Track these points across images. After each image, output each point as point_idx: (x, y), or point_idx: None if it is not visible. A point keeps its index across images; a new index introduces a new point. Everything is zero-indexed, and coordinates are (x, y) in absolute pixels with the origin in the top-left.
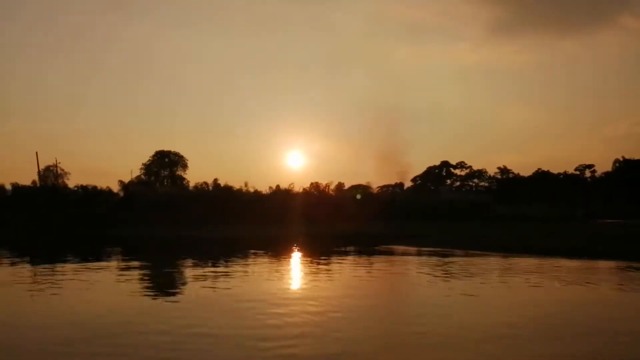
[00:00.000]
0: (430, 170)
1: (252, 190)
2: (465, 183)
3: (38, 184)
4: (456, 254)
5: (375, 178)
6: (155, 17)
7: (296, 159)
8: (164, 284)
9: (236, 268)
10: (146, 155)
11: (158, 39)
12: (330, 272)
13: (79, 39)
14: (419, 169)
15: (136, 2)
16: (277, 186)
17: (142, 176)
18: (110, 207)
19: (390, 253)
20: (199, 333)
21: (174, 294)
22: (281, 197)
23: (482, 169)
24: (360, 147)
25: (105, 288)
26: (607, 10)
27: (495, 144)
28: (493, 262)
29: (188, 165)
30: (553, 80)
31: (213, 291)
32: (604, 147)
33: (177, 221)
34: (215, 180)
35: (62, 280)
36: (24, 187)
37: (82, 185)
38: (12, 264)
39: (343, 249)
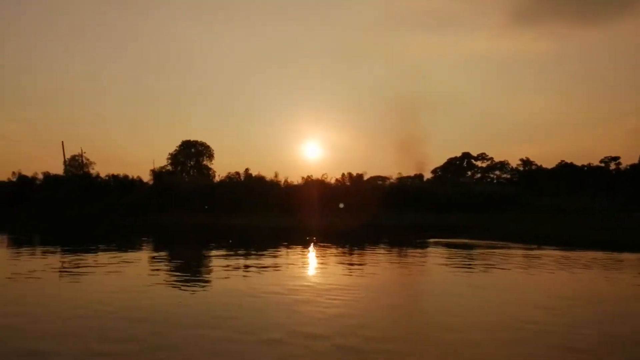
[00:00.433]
0: (452, 162)
1: (282, 180)
2: (487, 175)
3: (66, 174)
4: (532, 248)
5: (393, 169)
6: (175, 8)
7: (313, 150)
8: (213, 277)
9: (293, 258)
10: (166, 146)
11: (176, 29)
12: (441, 267)
13: (100, 29)
14: (437, 160)
15: None
16: (309, 176)
17: (169, 166)
18: (146, 195)
19: (466, 246)
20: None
21: (221, 287)
22: (313, 187)
23: (504, 161)
24: (377, 138)
25: (163, 277)
26: None
27: (513, 134)
28: (588, 256)
29: (214, 155)
30: (573, 69)
31: (273, 285)
32: (627, 138)
33: (210, 210)
34: (247, 170)
35: (104, 268)
36: (55, 177)
37: (113, 175)
38: (62, 252)
39: (420, 240)
